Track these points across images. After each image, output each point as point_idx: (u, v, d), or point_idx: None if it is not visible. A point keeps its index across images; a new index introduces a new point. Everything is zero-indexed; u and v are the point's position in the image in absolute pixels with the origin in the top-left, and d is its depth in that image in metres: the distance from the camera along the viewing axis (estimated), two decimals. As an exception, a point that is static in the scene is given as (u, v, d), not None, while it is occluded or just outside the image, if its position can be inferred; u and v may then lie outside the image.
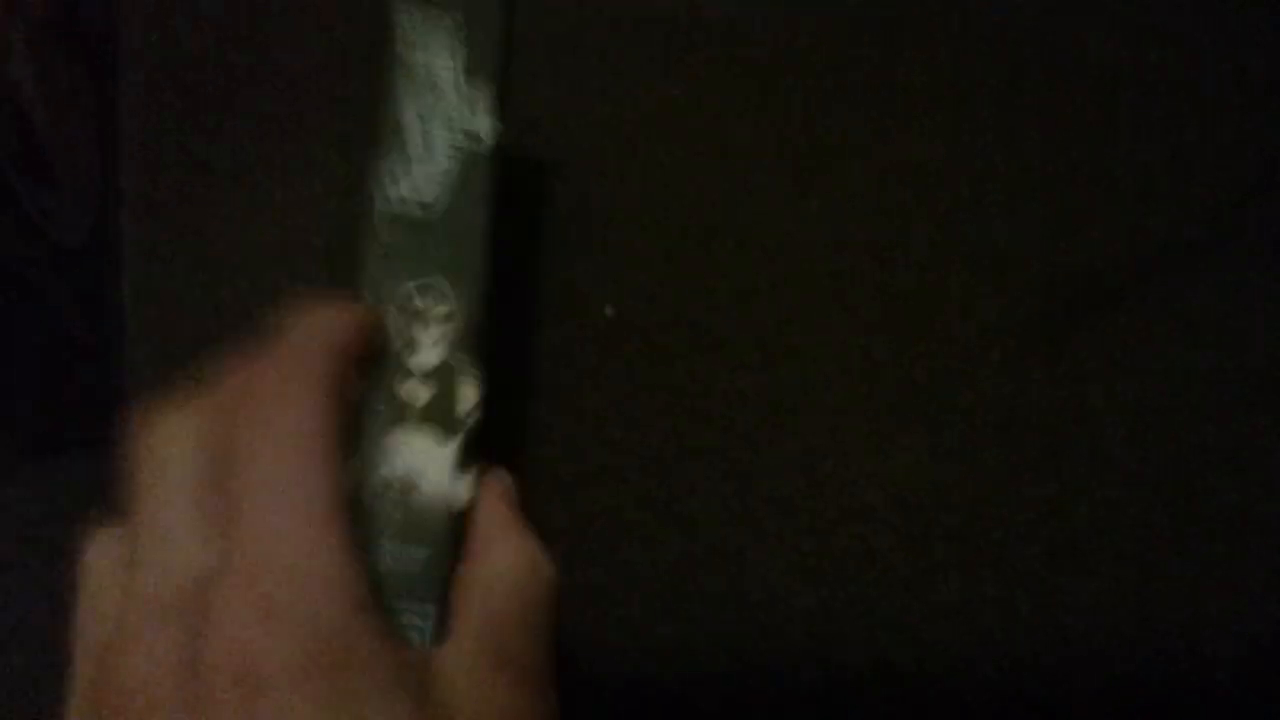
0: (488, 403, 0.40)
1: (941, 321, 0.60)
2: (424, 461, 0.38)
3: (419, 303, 0.41)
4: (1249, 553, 0.57)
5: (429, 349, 0.40)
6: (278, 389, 0.32)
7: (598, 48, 0.63)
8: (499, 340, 0.41)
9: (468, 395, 0.40)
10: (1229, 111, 0.66)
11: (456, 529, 0.37)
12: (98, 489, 0.54)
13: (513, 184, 0.44)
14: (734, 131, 0.63)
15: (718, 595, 0.54)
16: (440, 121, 0.43)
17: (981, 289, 0.61)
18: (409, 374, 0.39)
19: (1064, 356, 0.60)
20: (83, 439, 0.55)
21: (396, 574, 0.36)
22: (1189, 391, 0.60)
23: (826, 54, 0.65)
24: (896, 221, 0.62)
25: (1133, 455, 0.58)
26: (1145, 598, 0.56)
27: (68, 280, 0.54)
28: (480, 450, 0.39)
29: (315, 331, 0.35)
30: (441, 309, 0.41)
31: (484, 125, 0.42)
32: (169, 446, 0.32)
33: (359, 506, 0.36)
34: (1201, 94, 0.67)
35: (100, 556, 0.32)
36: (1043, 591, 0.55)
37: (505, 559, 0.35)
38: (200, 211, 0.59)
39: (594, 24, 0.64)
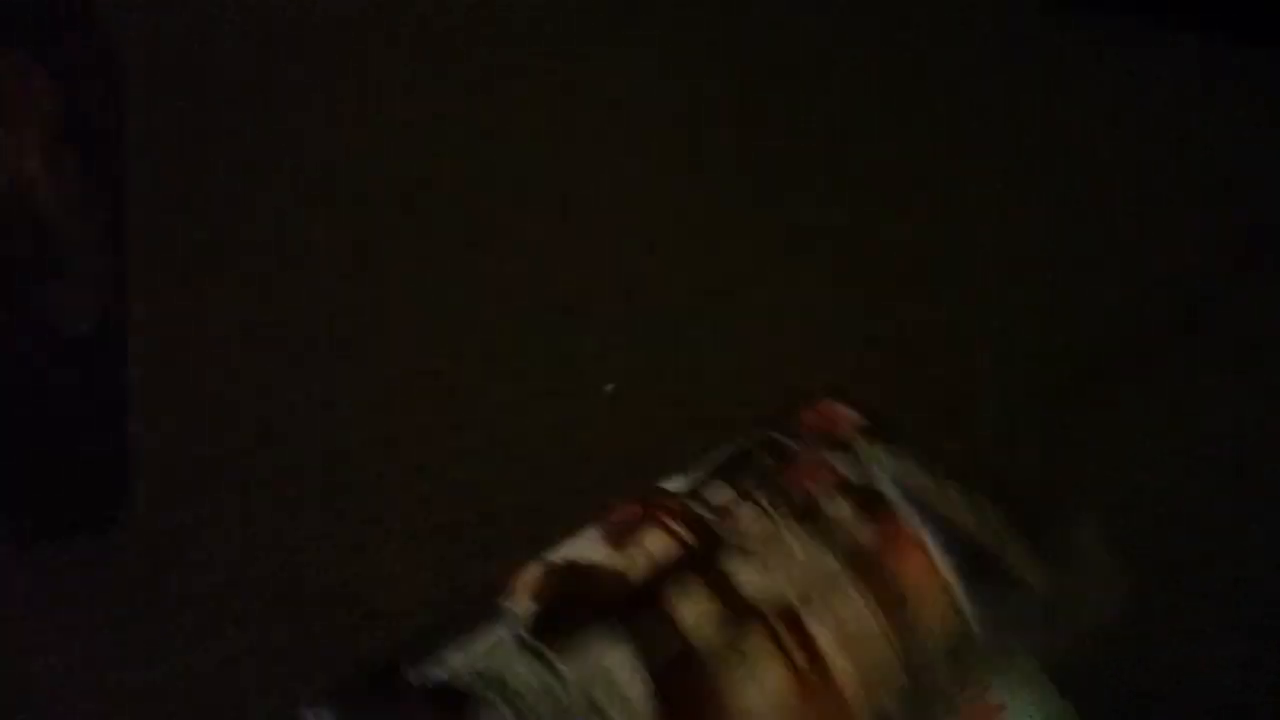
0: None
1: (927, 398, 0.61)
2: None
3: None
4: (1194, 606, 0.57)
5: None
6: None
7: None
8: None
9: None
10: (1202, 202, 0.68)
11: None
12: (105, 571, 0.55)
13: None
14: (715, 213, 0.65)
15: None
16: None
17: (967, 367, 0.62)
18: None
19: (1047, 433, 0.61)
20: (91, 522, 0.56)
21: None
22: (1159, 468, 0.61)
23: (817, 139, 0.68)
24: (882, 302, 0.63)
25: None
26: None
27: (74, 367, 0.56)
28: None
29: None
30: None
31: None
32: None
33: None
34: (1176, 183, 0.69)
35: None
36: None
37: None
38: (205, 298, 0.61)
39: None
